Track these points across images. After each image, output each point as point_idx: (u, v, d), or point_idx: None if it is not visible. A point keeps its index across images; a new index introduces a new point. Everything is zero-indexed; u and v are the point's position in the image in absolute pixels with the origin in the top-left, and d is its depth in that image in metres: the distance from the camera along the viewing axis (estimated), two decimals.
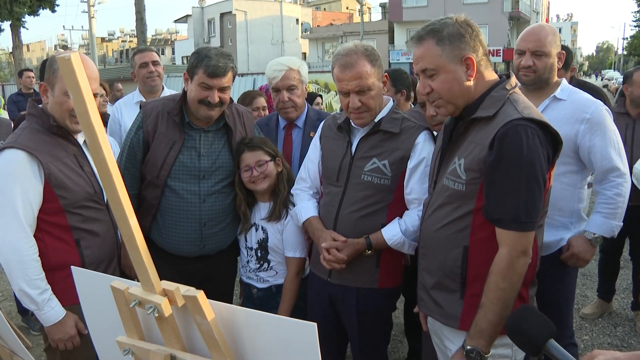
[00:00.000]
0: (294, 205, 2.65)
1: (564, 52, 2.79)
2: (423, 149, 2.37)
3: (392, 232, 2.36)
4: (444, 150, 2.04)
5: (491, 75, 1.94)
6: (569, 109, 2.67)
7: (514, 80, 1.95)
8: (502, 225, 1.80)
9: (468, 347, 1.82)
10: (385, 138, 2.38)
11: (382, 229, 2.37)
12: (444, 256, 1.97)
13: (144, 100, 3.83)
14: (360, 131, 2.44)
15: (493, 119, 1.82)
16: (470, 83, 1.89)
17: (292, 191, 2.70)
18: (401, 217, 2.40)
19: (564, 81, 2.78)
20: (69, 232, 2.31)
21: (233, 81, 2.62)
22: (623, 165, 2.68)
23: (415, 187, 2.35)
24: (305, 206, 2.58)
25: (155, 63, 3.97)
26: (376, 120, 2.39)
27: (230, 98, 2.73)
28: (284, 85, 3.04)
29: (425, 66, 1.90)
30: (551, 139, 1.81)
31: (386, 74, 2.42)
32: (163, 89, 4.07)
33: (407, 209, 2.41)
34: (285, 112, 3.10)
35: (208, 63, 2.47)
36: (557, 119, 2.59)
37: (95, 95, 2.30)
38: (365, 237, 2.37)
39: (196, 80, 2.52)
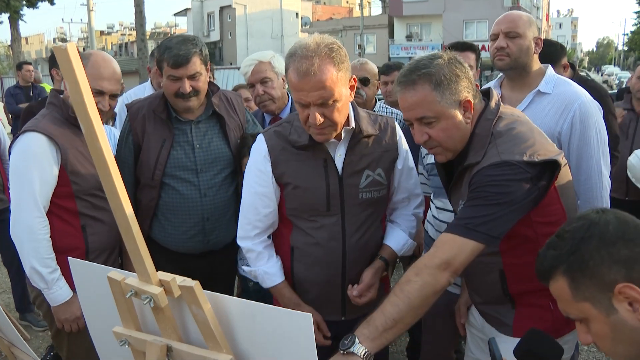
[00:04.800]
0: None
1: (541, 38, 2.65)
2: (403, 142, 2.20)
3: (401, 242, 2.23)
4: (447, 189, 2.00)
5: (477, 105, 1.83)
6: (553, 104, 2.55)
7: (494, 101, 1.84)
8: (450, 228, 1.71)
9: (351, 333, 1.62)
10: (368, 143, 2.09)
11: (387, 242, 2.22)
12: (483, 280, 1.94)
13: None
14: (338, 144, 2.05)
15: (479, 163, 1.75)
16: (468, 125, 1.79)
17: (243, 247, 2.18)
18: (392, 223, 2.29)
19: (550, 70, 2.66)
20: (77, 217, 2.38)
21: (207, 65, 2.54)
22: (597, 165, 2.54)
23: (405, 185, 2.24)
24: (268, 270, 2.12)
25: None
26: (352, 125, 2.04)
27: (217, 86, 2.69)
28: (256, 79, 3.00)
29: (423, 114, 1.75)
30: (542, 165, 1.71)
31: (354, 77, 2.00)
32: None
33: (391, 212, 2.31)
34: (264, 105, 3.06)
35: (170, 54, 2.42)
36: (541, 115, 2.53)
37: (115, 95, 2.39)
38: (380, 257, 2.17)
39: (165, 74, 2.48)
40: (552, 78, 2.62)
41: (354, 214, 2.10)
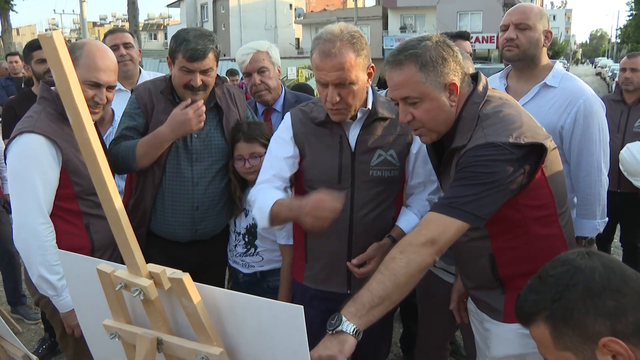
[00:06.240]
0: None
1: (551, 31, 2.66)
2: None
3: (412, 223, 2.25)
4: (437, 170, 2.01)
5: (464, 88, 1.84)
6: (558, 98, 2.57)
7: (481, 84, 1.85)
8: (435, 207, 1.73)
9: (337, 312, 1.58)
10: (384, 125, 2.20)
11: (398, 223, 2.27)
12: (474, 264, 1.95)
13: (122, 88, 3.53)
14: (353, 123, 2.18)
15: (466, 146, 1.76)
16: (453, 108, 1.81)
17: (254, 189, 2.25)
18: (407, 207, 2.33)
19: (557, 65, 2.68)
20: (80, 218, 2.30)
21: (217, 62, 2.57)
22: (597, 162, 2.56)
23: (420, 171, 2.28)
24: (269, 195, 2.12)
25: (127, 45, 3.61)
26: (369, 106, 2.17)
27: (222, 78, 2.69)
28: (254, 68, 2.99)
29: (408, 94, 1.78)
30: (529, 147, 1.71)
31: (372, 65, 2.12)
32: (140, 73, 3.79)
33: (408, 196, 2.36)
34: (259, 95, 3.05)
35: (187, 47, 2.43)
36: (545, 108, 2.55)
37: (112, 87, 2.31)
38: (388, 236, 2.23)
39: (177, 65, 2.48)
40: (559, 72, 2.64)
41: (363, 189, 2.19)
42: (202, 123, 2.50)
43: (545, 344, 1.26)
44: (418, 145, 2.24)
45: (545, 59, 2.67)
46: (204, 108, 2.49)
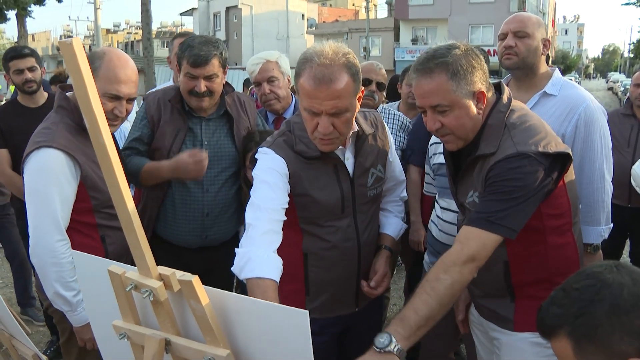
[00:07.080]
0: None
1: (549, 40, 2.66)
2: (389, 133, 2.25)
3: (398, 228, 2.31)
4: (455, 178, 2.00)
5: (490, 97, 1.86)
6: (558, 106, 2.57)
7: (506, 95, 1.86)
8: (473, 222, 1.72)
9: (386, 331, 1.58)
10: (370, 142, 2.11)
11: (386, 231, 2.28)
12: (486, 271, 1.90)
13: None
14: (346, 149, 2.05)
15: (495, 154, 1.77)
16: (479, 116, 1.81)
17: (249, 220, 1.86)
18: (383, 210, 2.34)
19: (557, 72, 2.67)
20: (96, 230, 2.29)
21: (224, 69, 2.61)
22: (599, 169, 2.55)
23: (393, 174, 2.29)
24: (264, 258, 1.77)
25: None
26: (356, 128, 2.04)
27: (232, 87, 2.74)
28: (263, 77, 3.04)
29: (438, 102, 1.75)
30: (554, 156, 1.74)
31: (363, 88, 1.95)
32: None
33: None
34: (269, 104, 3.10)
35: (190, 52, 2.48)
36: (546, 117, 2.49)
37: (132, 99, 2.25)
38: (384, 247, 2.23)
39: (183, 71, 2.54)
40: (558, 80, 2.63)
41: (363, 212, 2.12)
42: (202, 174, 2.51)
43: (567, 359, 1.19)
44: (392, 152, 2.23)
45: (544, 67, 2.67)
46: (206, 162, 2.48)
